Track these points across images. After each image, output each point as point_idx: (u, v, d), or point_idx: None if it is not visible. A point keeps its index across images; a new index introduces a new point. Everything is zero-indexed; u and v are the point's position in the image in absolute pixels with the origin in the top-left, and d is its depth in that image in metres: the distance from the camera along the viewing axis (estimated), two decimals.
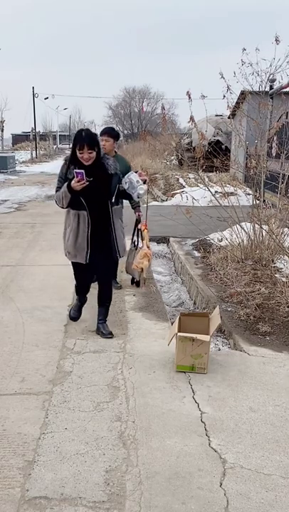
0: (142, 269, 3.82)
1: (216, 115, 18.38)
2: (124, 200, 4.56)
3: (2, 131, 38.47)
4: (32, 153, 38.91)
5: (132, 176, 3.71)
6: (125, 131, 64.80)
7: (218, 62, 8.70)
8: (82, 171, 3.53)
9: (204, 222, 6.81)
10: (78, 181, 3.53)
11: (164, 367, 3.53)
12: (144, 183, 3.73)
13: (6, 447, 2.60)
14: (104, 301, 4.15)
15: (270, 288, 4.82)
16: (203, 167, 6.61)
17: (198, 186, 9.41)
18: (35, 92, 42.72)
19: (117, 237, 3.87)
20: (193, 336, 3.41)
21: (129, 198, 3.96)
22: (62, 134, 72.81)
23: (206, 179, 8.99)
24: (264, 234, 5.81)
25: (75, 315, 4.33)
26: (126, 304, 4.87)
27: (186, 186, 14.21)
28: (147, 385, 3.26)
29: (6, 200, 13.46)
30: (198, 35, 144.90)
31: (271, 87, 8.04)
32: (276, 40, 5.72)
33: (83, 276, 4.11)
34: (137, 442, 2.65)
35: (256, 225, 5.88)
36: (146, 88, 63.68)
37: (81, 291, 4.28)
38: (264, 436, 2.73)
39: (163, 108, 8.03)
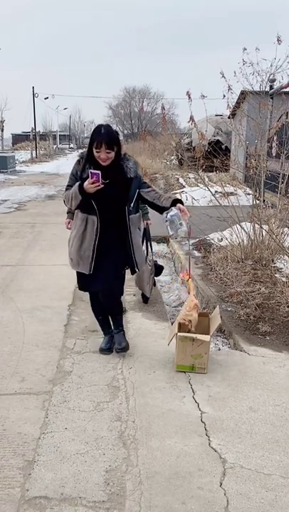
0: (190, 321, 3.57)
1: (216, 115, 18.37)
2: None
3: (2, 131, 38.44)
4: (32, 153, 38.91)
5: (175, 216, 3.31)
6: (125, 131, 64.85)
7: (218, 62, 8.71)
8: (99, 172, 3.13)
9: (204, 222, 6.81)
10: (92, 183, 3.15)
11: (164, 367, 3.53)
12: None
13: (6, 447, 2.60)
14: (115, 311, 3.78)
15: (270, 288, 4.82)
16: (203, 167, 6.61)
17: (198, 186, 9.41)
18: (35, 92, 42.71)
19: (135, 249, 3.48)
20: (194, 335, 3.41)
21: (151, 204, 3.51)
22: (63, 134, 72.86)
23: (206, 179, 8.98)
24: (264, 234, 5.81)
25: (106, 346, 3.78)
26: (126, 304, 4.87)
27: (186, 186, 14.20)
28: (147, 385, 3.26)
29: (6, 200, 13.46)
30: (198, 35, 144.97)
31: (271, 87, 8.03)
32: (278, 40, 5.72)
33: (88, 286, 3.63)
34: (137, 442, 2.65)
35: (256, 225, 5.88)
36: (146, 88, 63.82)
37: (96, 311, 3.84)
38: (264, 436, 2.73)
39: (163, 108, 8.01)
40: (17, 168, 27.03)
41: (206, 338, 3.44)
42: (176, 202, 3.37)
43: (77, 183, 3.26)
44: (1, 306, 4.83)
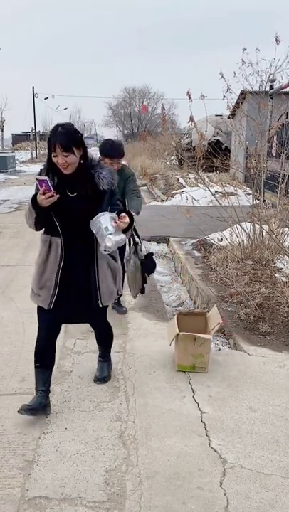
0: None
1: (216, 115, 18.36)
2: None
3: (2, 131, 38.49)
4: (32, 153, 38.91)
5: (102, 219, 2.60)
6: (125, 131, 64.86)
7: (218, 62, 8.71)
8: (46, 178, 2.58)
9: (204, 222, 6.80)
10: (44, 193, 2.57)
11: (164, 367, 3.53)
12: (126, 230, 2.71)
13: (6, 447, 2.61)
14: (103, 342, 3.40)
15: (270, 288, 4.82)
16: (203, 167, 6.61)
17: (198, 186, 9.41)
18: (35, 92, 42.70)
19: (100, 279, 2.84)
20: (195, 335, 3.41)
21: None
22: None
23: (206, 179, 8.98)
24: (264, 234, 5.81)
25: (30, 405, 2.82)
26: (126, 304, 4.87)
27: (186, 186, 14.20)
28: (147, 385, 3.26)
29: (6, 200, 13.46)
30: (198, 35, 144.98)
31: (271, 87, 8.04)
32: (276, 40, 5.72)
33: (47, 327, 2.93)
34: (137, 442, 2.65)
35: (256, 225, 5.88)
36: (146, 88, 63.76)
37: (40, 356, 2.94)
38: (264, 436, 2.73)
39: (163, 108, 8.02)
40: (17, 168, 27.04)
41: (208, 337, 3.45)
42: (127, 213, 2.78)
43: (31, 195, 2.70)
44: (1, 306, 4.83)
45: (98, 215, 2.61)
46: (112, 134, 78.09)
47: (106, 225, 2.56)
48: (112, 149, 4.12)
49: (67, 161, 2.63)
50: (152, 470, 2.43)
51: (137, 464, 2.47)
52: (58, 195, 2.60)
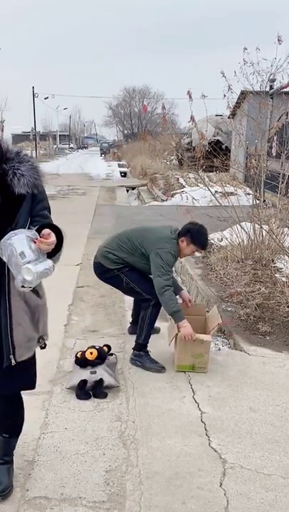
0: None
1: (216, 115, 18.36)
2: None
3: (2, 131, 38.45)
4: (32, 153, 38.90)
5: (16, 241, 1.80)
6: (125, 131, 64.84)
7: (218, 62, 8.70)
8: None
9: (204, 222, 6.76)
10: None
11: (164, 369, 3.52)
12: (53, 254, 1.92)
13: None
14: (6, 427, 2.27)
15: (270, 288, 4.82)
16: (203, 167, 6.61)
17: (198, 186, 9.41)
18: (35, 92, 42.71)
19: (13, 325, 2.00)
20: (195, 335, 3.41)
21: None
22: (63, 133, 72.85)
23: (206, 179, 8.98)
24: (264, 234, 5.81)
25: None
26: (126, 304, 4.87)
27: (186, 186, 14.20)
28: (147, 385, 3.26)
29: None
30: (198, 35, 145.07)
31: (271, 87, 8.03)
32: (278, 39, 5.71)
33: None
34: (137, 442, 2.65)
35: (256, 225, 5.88)
36: (146, 88, 63.72)
37: None
38: (264, 436, 2.73)
39: (163, 108, 8.01)
40: None
41: (207, 337, 3.44)
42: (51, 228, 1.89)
43: None
44: None
45: (9, 234, 1.81)
46: (112, 133, 78.11)
47: (22, 250, 1.76)
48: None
49: None
50: (152, 470, 2.43)
51: (137, 464, 2.47)
52: None
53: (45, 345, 2.26)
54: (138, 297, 3.67)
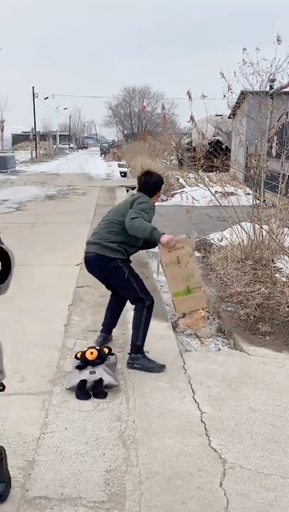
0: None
1: (216, 115, 18.38)
2: None
3: (2, 131, 38.50)
4: (32, 153, 38.90)
5: None
6: (125, 131, 64.84)
7: (218, 62, 8.71)
8: None
9: (204, 222, 6.80)
10: None
11: (164, 367, 3.52)
12: (1, 281, 1.73)
13: (6, 447, 2.59)
14: None
15: (270, 288, 4.82)
16: (203, 167, 6.61)
17: (198, 186, 9.41)
18: (35, 92, 42.72)
19: None
20: (176, 254, 3.31)
21: None
22: (63, 134, 72.84)
23: (206, 179, 8.98)
24: (264, 234, 5.81)
25: None
26: (126, 304, 4.87)
27: (186, 186, 14.21)
28: (147, 385, 3.26)
29: (6, 200, 13.45)
30: (198, 35, 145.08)
31: (271, 87, 8.03)
32: (277, 40, 5.71)
33: None
34: (137, 442, 2.65)
35: (256, 225, 5.88)
36: (146, 88, 63.81)
37: None
38: (264, 436, 2.73)
39: (163, 108, 8.02)
40: (17, 168, 27.02)
41: (187, 248, 3.34)
42: None
43: None
44: (1, 306, 4.81)
45: None
46: (112, 133, 78.06)
47: None
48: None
49: None
50: (152, 470, 2.43)
51: (137, 464, 2.47)
52: None
53: (3, 386, 2.07)
54: (131, 294, 3.63)
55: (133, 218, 3.36)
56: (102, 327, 3.96)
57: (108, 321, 3.94)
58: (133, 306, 3.66)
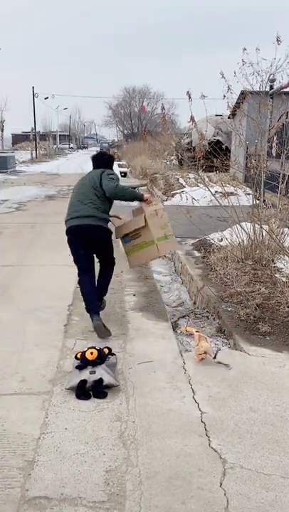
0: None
1: (216, 115, 18.38)
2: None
3: (2, 131, 38.51)
4: (32, 153, 38.91)
5: None
6: (125, 131, 64.84)
7: (218, 62, 8.72)
8: None
9: (204, 222, 6.80)
10: None
11: (164, 367, 3.52)
12: None
13: (6, 447, 2.60)
14: None
15: (270, 288, 4.82)
16: (203, 167, 6.60)
17: (198, 186, 9.41)
18: (35, 92, 42.72)
19: None
20: (154, 208, 4.20)
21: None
22: (63, 134, 72.86)
23: (206, 179, 8.98)
24: (264, 234, 5.81)
25: None
26: (126, 304, 4.87)
27: (186, 186, 14.20)
28: (147, 385, 3.26)
29: (6, 200, 13.45)
30: (198, 35, 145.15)
31: (271, 87, 8.02)
32: (277, 40, 5.70)
33: None
34: (137, 442, 2.65)
35: (256, 225, 5.88)
36: (146, 88, 63.83)
37: None
38: (264, 436, 2.73)
39: (163, 108, 8.01)
40: (17, 168, 27.03)
41: (159, 206, 4.28)
42: None
43: None
44: (1, 306, 4.83)
45: None
46: (112, 134, 78.03)
47: None
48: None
49: None
50: (152, 470, 2.43)
51: (137, 464, 2.47)
52: None
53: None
54: (112, 257, 4.38)
55: (117, 185, 4.02)
56: (92, 307, 4.14)
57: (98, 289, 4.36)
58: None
